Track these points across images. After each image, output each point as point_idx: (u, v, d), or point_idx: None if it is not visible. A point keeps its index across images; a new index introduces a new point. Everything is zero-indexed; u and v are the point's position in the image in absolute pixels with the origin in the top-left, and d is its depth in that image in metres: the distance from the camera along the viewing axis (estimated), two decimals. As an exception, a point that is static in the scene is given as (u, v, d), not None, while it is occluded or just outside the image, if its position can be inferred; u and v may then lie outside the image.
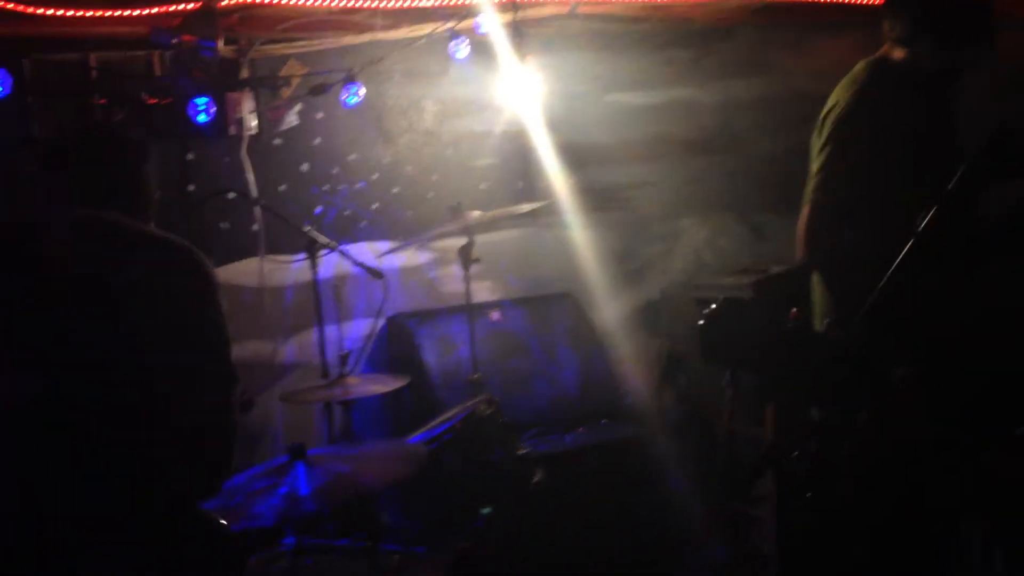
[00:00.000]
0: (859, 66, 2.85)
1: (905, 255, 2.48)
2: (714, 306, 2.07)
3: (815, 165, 2.81)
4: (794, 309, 2.69)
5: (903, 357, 2.56)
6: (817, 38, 4.61)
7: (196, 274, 2.18)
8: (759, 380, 2.58)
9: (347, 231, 4.30)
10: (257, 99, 4.10)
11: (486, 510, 2.94)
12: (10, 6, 3.40)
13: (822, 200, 2.76)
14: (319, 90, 4.04)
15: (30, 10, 3.47)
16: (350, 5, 3.99)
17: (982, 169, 2.45)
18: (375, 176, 4.42)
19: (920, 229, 2.50)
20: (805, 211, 2.81)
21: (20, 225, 2.24)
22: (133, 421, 2.03)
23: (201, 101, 3.71)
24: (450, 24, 4.07)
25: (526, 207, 3.83)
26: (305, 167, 4.27)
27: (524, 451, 3.11)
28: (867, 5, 4.50)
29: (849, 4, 4.53)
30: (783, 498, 3.02)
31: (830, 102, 2.83)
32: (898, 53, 2.83)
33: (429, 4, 4.10)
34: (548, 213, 4.49)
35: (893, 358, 2.53)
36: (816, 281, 2.93)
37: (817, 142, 2.83)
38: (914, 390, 2.53)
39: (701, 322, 2.05)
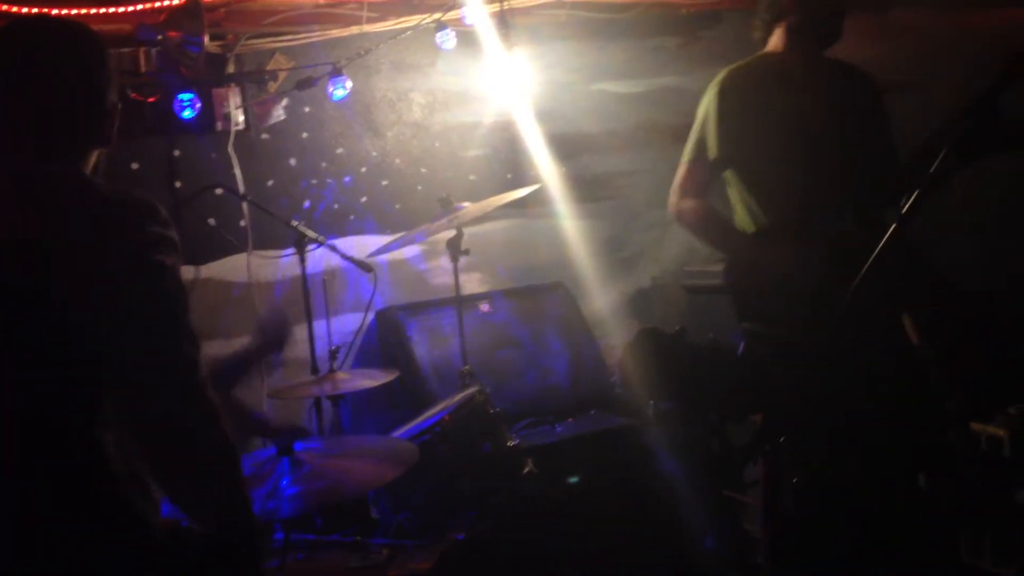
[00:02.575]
0: (741, 61, 2.93)
1: (884, 246, 2.49)
2: (633, 337, 2.13)
3: (689, 143, 2.91)
4: (711, 335, 2.76)
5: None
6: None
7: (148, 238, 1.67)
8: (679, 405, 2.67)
9: (336, 225, 4.30)
10: (244, 94, 4.09)
11: (574, 479, 2.97)
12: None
13: (689, 171, 2.87)
14: (306, 84, 4.04)
15: (15, 9, 3.46)
16: (336, -2, 3.99)
17: (966, 147, 2.46)
18: (363, 169, 4.41)
19: (900, 221, 2.53)
20: (679, 171, 2.92)
21: None
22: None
23: (186, 97, 3.71)
24: (436, 15, 4.06)
25: (516, 193, 3.82)
26: (293, 162, 4.26)
27: (514, 442, 3.11)
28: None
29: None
30: (771, 483, 3.04)
31: (714, 79, 2.90)
32: (771, 47, 2.93)
33: (415, -5, 4.10)
34: (538, 203, 4.49)
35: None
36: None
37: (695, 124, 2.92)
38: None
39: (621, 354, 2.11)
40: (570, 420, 3.85)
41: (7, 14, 3.42)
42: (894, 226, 2.51)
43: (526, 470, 3.05)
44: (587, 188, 4.70)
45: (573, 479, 3.01)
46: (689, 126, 4.03)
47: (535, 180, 4.47)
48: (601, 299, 4.64)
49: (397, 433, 3.14)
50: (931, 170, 2.50)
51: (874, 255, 2.47)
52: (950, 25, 4.16)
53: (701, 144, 2.86)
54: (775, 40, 2.92)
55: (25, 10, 3.45)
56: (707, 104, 2.86)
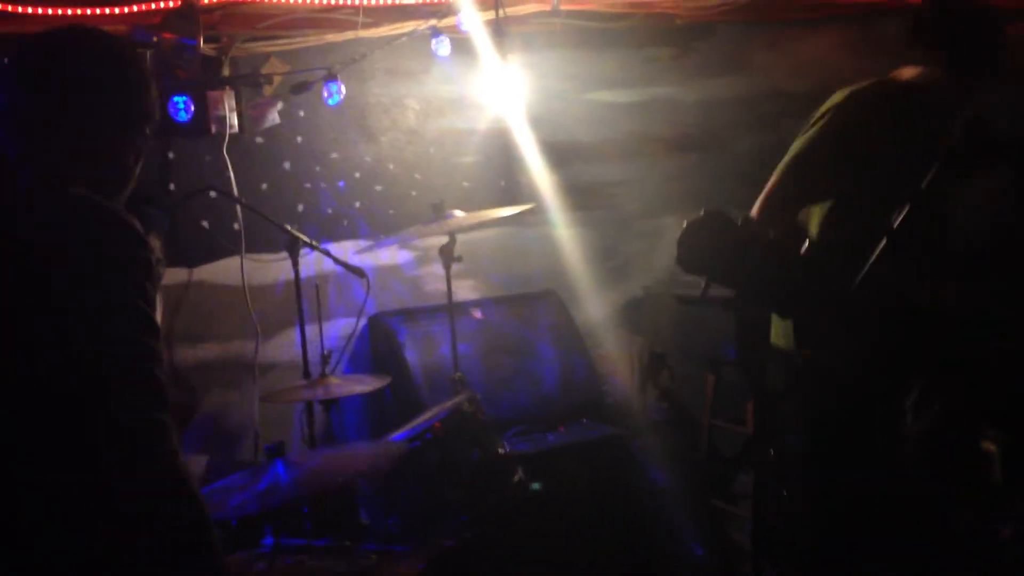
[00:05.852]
0: (867, 83, 2.78)
1: (881, 252, 2.50)
2: (699, 215, 2.11)
3: (794, 147, 2.76)
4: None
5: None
6: (795, 36, 4.63)
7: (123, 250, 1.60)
8: (731, 290, 2.58)
9: (329, 230, 4.30)
10: (238, 97, 4.09)
11: (536, 486, 2.96)
12: (-3, 7, 3.41)
13: (783, 181, 2.74)
14: (300, 88, 4.04)
15: (9, 8, 3.47)
16: (331, 3, 3.99)
17: (957, 162, 2.47)
18: (357, 174, 4.41)
19: (895, 226, 2.54)
20: (770, 181, 2.77)
21: None
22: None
23: (180, 99, 3.71)
24: (432, 22, 4.08)
25: (508, 211, 3.84)
26: (287, 165, 4.26)
27: (505, 450, 3.12)
28: (843, 3, 4.52)
29: (826, 2, 4.56)
30: (760, 495, 3.06)
31: (832, 99, 2.77)
32: (909, 75, 2.78)
33: (411, 1, 4.11)
34: (530, 211, 4.51)
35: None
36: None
37: (806, 126, 2.78)
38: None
39: (683, 227, 2.09)
40: (561, 428, 3.86)
41: (9, 14, 3.44)
42: (884, 241, 2.53)
43: (516, 478, 3.06)
44: (579, 196, 4.71)
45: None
46: (682, 137, 4.05)
47: (528, 188, 4.48)
48: (592, 308, 4.65)
49: (387, 438, 3.14)
50: (922, 185, 2.52)
51: (867, 266, 2.48)
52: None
53: (799, 167, 2.70)
54: (918, 69, 2.75)
55: (20, 9, 3.47)
56: (819, 128, 2.71)
